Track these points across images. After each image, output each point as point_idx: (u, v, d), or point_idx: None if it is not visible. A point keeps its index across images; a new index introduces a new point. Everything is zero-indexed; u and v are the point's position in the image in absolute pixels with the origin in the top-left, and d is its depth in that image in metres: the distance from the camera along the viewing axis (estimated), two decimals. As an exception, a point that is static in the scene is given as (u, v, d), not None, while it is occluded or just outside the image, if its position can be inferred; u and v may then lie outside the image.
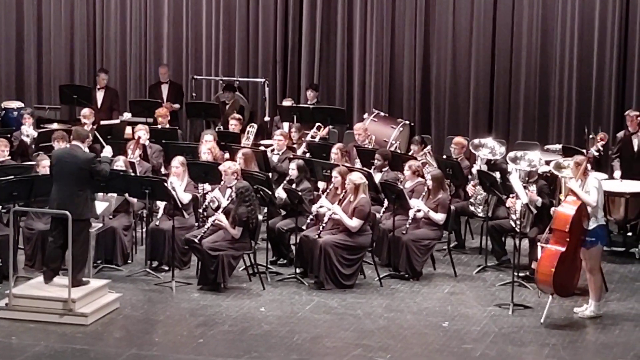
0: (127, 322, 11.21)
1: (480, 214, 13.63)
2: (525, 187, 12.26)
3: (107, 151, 11.86)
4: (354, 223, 12.27)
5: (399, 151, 15.21)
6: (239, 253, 12.26)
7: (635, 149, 14.46)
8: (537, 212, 12.33)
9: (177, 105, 17.60)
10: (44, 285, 11.36)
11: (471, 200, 13.69)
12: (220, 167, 12.76)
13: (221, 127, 16.48)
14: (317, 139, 15.76)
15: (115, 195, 12.55)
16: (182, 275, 12.60)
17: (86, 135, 11.61)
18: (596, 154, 11.71)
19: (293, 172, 13.30)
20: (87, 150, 11.61)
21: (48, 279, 11.39)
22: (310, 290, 12.24)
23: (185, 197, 12.86)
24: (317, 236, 12.29)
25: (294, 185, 13.17)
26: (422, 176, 13.17)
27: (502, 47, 17.27)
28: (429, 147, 15.05)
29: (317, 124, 16.09)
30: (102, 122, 16.47)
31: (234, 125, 15.68)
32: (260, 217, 12.50)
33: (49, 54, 19.25)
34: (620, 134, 14.73)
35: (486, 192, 13.28)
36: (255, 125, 15.81)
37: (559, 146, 15.24)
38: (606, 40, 16.70)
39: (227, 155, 14.23)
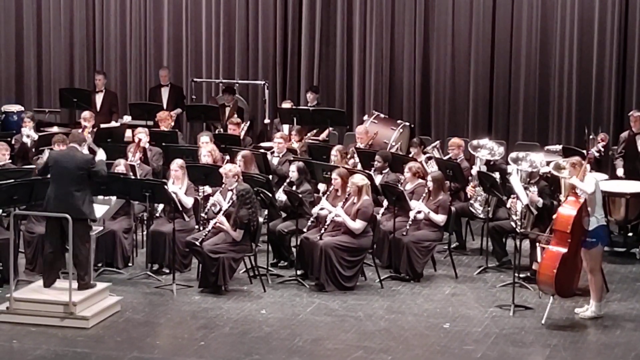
0: (128, 325, 11.21)
1: (481, 215, 13.62)
2: (526, 188, 12.25)
3: (101, 154, 11.83)
4: (358, 225, 12.26)
5: (399, 153, 15.21)
6: (239, 255, 12.25)
7: (640, 149, 14.47)
8: (538, 212, 12.33)
9: (178, 110, 17.57)
10: (44, 289, 11.37)
11: (471, 201, 13.68)
12: (221, 170, 12.75)
13: (221, 129, 16.47)
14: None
15: (115, 198, 12.54)
16: (183, 277, 12.60)
17: (83, 138, 11.90)
18: (597, 154, 11.69)
19: (293, 174, 13.29)
20: (85, 151, 11.67)
21: (49, 283, 11.38)
22: (311, 292, 12.24)
23: (188, 202, 12.87)
24: (318, 238, 12.29)
25: (294, 188, 13.16)
26: (423, 178, 13.16)
27: (501, 47, 17.25)
28: (437, 142, 15.04)
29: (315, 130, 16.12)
30: (102, 125, 16.48)
31: (232, 130, 15.67)
32: (260, 219, 12.49)
33: (48, 58, 19.22)
34: (624, 135, 14.68)
35: (486, 193, 13.27)
36: (248, 122, 15.78)
37: (559, 147, 15.21)
38: (606, 40, 16.68)
39: (227, 158, 14.22)
